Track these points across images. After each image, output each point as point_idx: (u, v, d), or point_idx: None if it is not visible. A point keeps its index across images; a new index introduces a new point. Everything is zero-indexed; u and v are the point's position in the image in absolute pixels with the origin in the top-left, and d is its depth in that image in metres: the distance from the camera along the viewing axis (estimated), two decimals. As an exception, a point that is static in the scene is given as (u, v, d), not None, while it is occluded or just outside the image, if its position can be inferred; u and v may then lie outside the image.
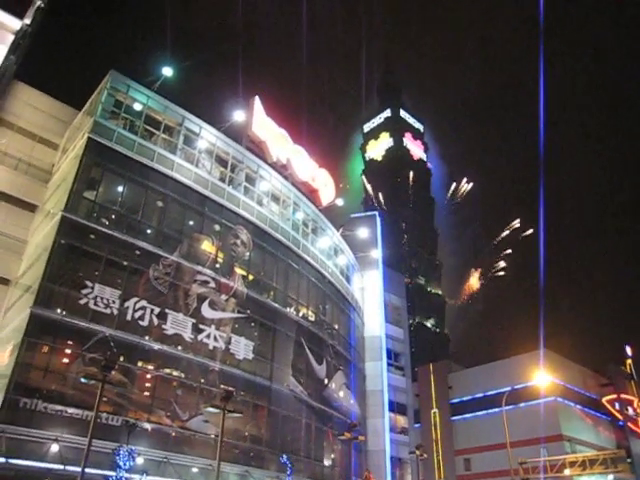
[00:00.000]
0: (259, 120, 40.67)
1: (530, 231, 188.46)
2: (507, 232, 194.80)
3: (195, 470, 26.92)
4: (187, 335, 28.96)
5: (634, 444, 57.11)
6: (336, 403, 39.89)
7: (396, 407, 50.96)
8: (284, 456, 31.23)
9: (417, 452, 36.47)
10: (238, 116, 37.92)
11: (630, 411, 60.01)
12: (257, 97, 41.02)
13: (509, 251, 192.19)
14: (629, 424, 58.58)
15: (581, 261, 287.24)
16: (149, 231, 30.17)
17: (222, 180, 35.30)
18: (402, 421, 52.45)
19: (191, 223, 32.73)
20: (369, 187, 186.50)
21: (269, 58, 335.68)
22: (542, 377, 46.32)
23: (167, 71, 33.53)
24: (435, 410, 60.73)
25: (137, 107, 31.92)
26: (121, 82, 31.36)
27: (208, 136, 35.35)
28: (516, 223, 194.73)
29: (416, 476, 43.88)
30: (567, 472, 45.61)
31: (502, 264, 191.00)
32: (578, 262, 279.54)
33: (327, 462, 38.19)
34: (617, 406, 58.91)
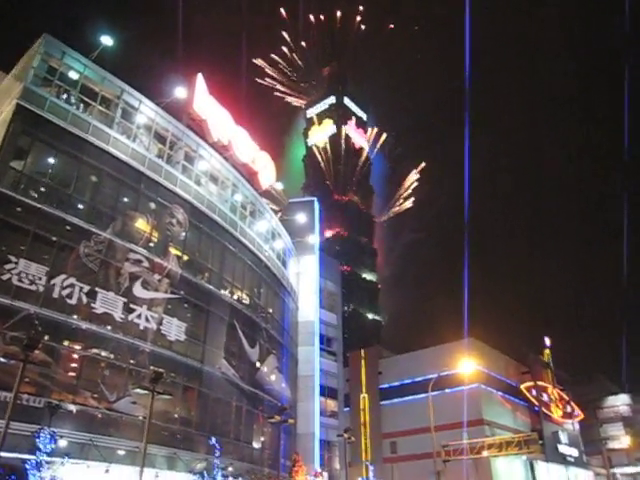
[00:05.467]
0: (201, 98, 39.74)
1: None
2: None
3: (121, 452, 26.39)
4: (117, 315, 28.19)
5: (546, 427, 60.81)
6: (267, 386, 40.04)
7: (327, 391, 51.82)
8: (213, 438, 31.01)
9: (345, 435, 37.32)
10: (179, 92, 36.79)
11: (545, 397, 63.67)
12: (200, 74, 40.03)
13: None
14: (543, 409, 62.17)
15: (506, 257, 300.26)
16: (81, 206, 29.01)
17: (160, 157, 34.32)
18: (332, 405, 53.42)
19: (126, 200, 31.71)
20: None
21: (213, 36, 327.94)
22: (467, 365, 48.24)
23: (106, 40, 31.91)
24: (364, 395, 62.02)
25: (73, 76, 30.37)
26: (56, 48, 29.66)
27: (147, 111, 34.20)
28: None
29: (343, 458, 44.91)
30: (485, 453, 48.18)
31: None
32: (503, 257, 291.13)
33: (256, 444, 38.38)
34: (534, 392, 62.29)
